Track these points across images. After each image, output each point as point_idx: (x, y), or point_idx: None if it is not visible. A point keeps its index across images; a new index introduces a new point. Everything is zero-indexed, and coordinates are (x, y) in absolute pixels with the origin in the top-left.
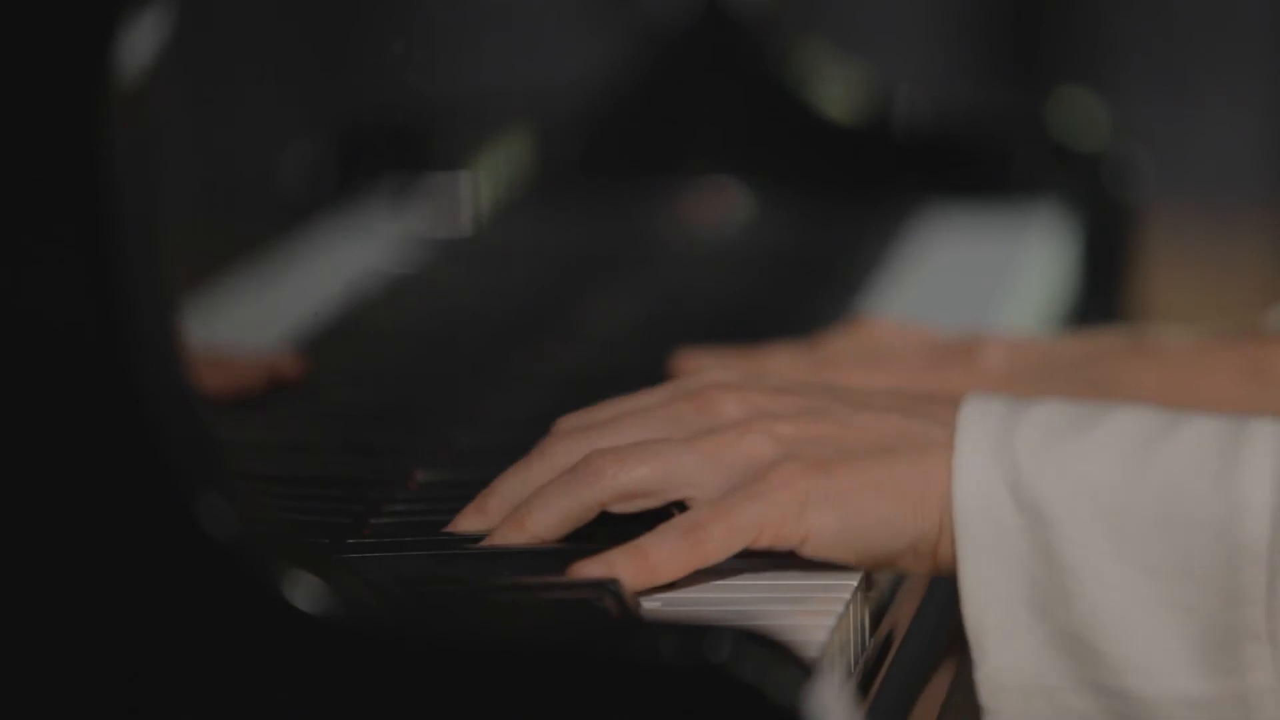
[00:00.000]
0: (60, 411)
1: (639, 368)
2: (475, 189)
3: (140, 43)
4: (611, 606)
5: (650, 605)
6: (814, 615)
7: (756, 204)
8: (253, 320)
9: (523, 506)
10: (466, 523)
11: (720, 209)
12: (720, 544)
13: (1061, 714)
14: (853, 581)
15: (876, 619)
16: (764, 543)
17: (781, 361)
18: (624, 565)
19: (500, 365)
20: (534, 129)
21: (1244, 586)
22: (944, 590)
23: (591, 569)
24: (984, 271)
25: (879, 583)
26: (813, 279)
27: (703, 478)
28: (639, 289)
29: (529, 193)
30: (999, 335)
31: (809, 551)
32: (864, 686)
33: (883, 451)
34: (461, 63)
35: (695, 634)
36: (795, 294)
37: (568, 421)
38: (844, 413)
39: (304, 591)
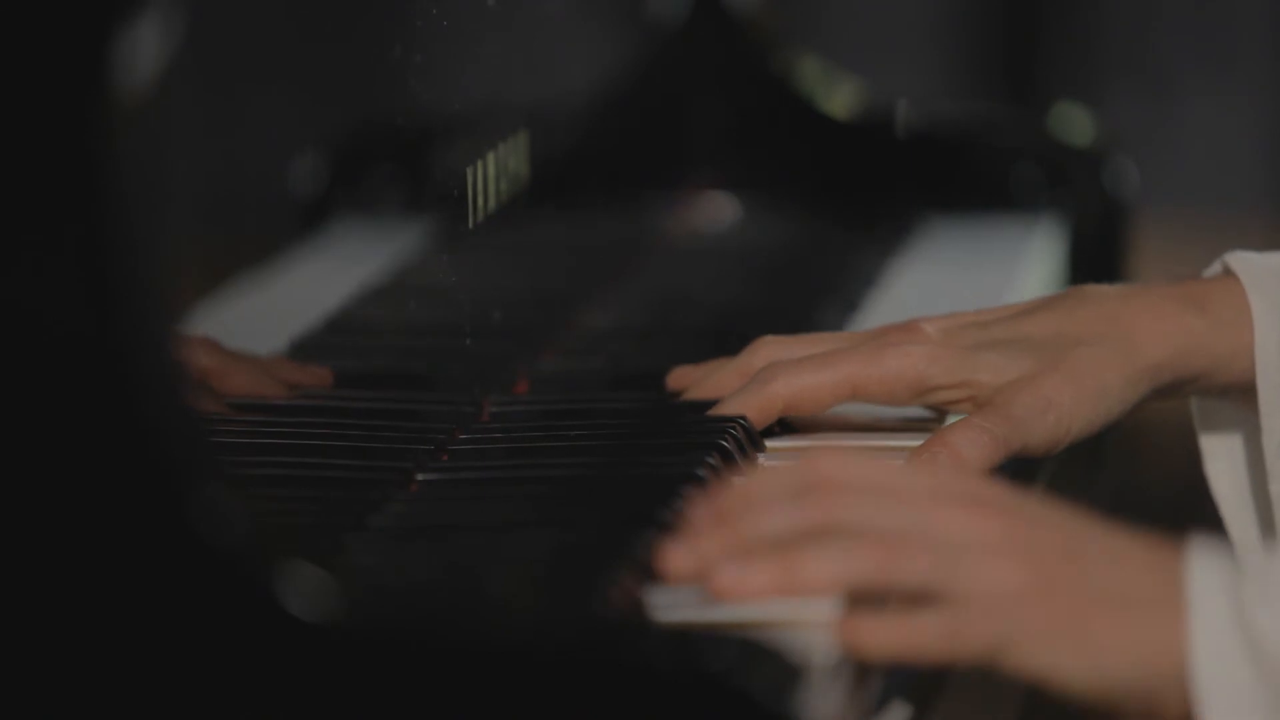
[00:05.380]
0: (58, 414)
1: (637, 370)
2: (475, 193)
3: (141, 46)
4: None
5: (654, 603)
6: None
7: (755, 211)
8: (256, 324)
9: (797, 560)
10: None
11: (719, 215)
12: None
13: None
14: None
15: None
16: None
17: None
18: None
19: (499, 366)
20: (535, 132)
21: None
22: None
23: None
24: (970, 280)
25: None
26: (805, 283)
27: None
28: (636, 292)
29: (530, 196)
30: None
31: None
32: (864, 691)
33: (1108, 600)
34: (461, 67)
35: (697, 643)
36: (790, 298)
37: (838, 470)
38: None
39: (299, 593)
